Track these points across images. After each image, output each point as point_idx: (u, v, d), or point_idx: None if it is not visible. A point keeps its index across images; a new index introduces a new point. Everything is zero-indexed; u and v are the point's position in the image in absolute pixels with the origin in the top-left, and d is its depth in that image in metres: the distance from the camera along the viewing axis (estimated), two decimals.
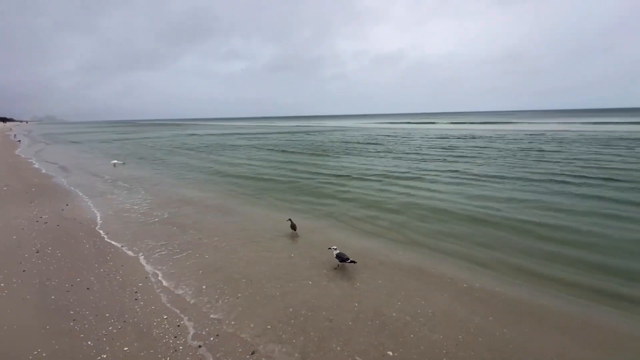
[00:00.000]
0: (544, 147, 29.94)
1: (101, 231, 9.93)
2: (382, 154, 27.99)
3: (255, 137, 53.16)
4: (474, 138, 41.82)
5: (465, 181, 16.37)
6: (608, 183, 15.15)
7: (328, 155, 27.91)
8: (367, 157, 26.72)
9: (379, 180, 16.98)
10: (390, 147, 33.75)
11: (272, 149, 34.17)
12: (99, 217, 11.36)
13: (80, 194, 14.90)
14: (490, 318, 5.58)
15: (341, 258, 7.34)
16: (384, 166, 21.71)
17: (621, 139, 35.59)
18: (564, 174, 17.26)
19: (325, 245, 8.68)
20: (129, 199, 13.90)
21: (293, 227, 9.73)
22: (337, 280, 6.93)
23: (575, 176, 16.70)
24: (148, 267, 7.49)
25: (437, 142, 37.17)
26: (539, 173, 17.80)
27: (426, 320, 5.51)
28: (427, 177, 17.68)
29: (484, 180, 16.40)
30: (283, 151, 32.32)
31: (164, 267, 7.48)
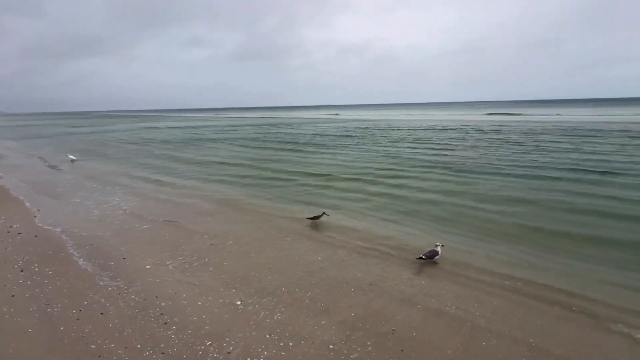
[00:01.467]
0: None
1: (92, 239, 8.72)
2: (367, 149, 27.84)
3: (223, 131, 50.95)
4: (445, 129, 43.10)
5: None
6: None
7: (319, 151, 27.27)
8: (352, 153, 26.41)
9: (387, 178, 16.73)
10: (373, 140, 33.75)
11: (247, 144, 32.84)
12: (81, 222, 10.01)
13: (49, 196, 13.16)
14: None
15: (430, 255, 7.22)
16: (383, 163, 21.52)
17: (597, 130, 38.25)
18: None
19: (349, 246, 8.24)
20: (107, 199, 12.46)
21: (316, 217, 9.67)
22: (378, 284, 6.50)
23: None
24: (165, 281, 6.59)
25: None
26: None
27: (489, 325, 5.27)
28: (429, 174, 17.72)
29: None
30: (265, 147, 31.17)
31: (183, 279, 6.64)
